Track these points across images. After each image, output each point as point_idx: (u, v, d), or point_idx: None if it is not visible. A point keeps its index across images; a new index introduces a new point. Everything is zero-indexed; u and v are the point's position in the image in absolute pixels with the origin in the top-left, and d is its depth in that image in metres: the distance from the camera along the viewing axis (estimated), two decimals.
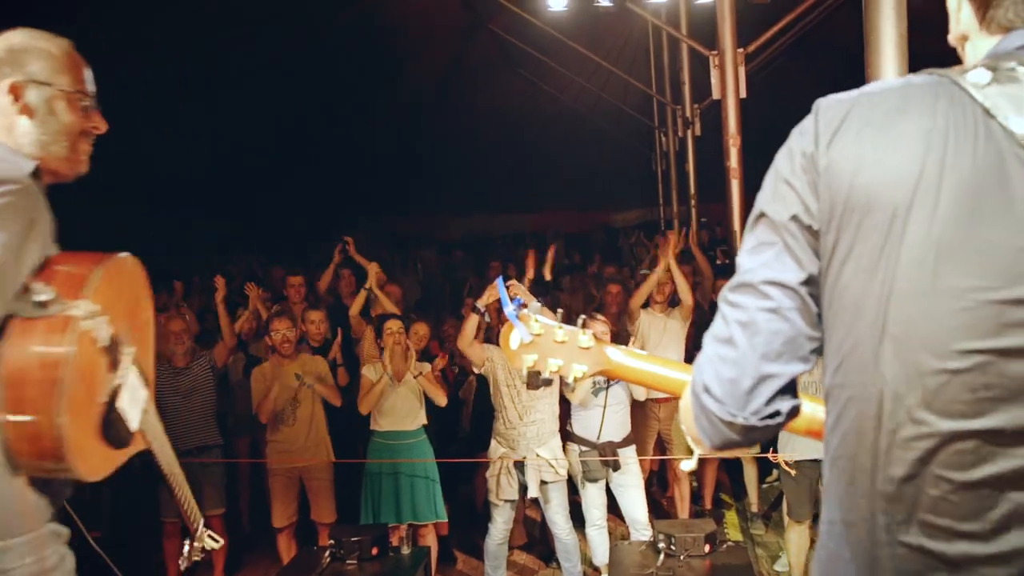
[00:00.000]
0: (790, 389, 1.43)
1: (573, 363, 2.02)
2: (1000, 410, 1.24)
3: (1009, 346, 1.23)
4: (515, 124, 18.38)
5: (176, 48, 10.36)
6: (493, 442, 6.36)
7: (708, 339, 1.49)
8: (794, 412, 1.45)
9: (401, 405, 6.49)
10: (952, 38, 1.48)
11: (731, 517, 7.92)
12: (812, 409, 1.80)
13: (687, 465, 1.87)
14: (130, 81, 10.30)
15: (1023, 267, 1.22)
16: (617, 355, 1.99)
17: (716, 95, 8.96)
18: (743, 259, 1.45)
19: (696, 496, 7.90)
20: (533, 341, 2.03)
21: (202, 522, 2.58)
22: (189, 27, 10.16)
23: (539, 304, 2.10)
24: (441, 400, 6.60)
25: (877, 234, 1.29)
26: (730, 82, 8.87)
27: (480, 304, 6.22)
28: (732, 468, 8.21)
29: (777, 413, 1.43)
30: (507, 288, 6.04)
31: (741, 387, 1.41)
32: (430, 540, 6.62)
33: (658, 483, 8.40)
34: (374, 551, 5.73)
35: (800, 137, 1.39)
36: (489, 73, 17.41)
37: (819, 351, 1.44)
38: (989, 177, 1.23)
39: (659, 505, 8.03)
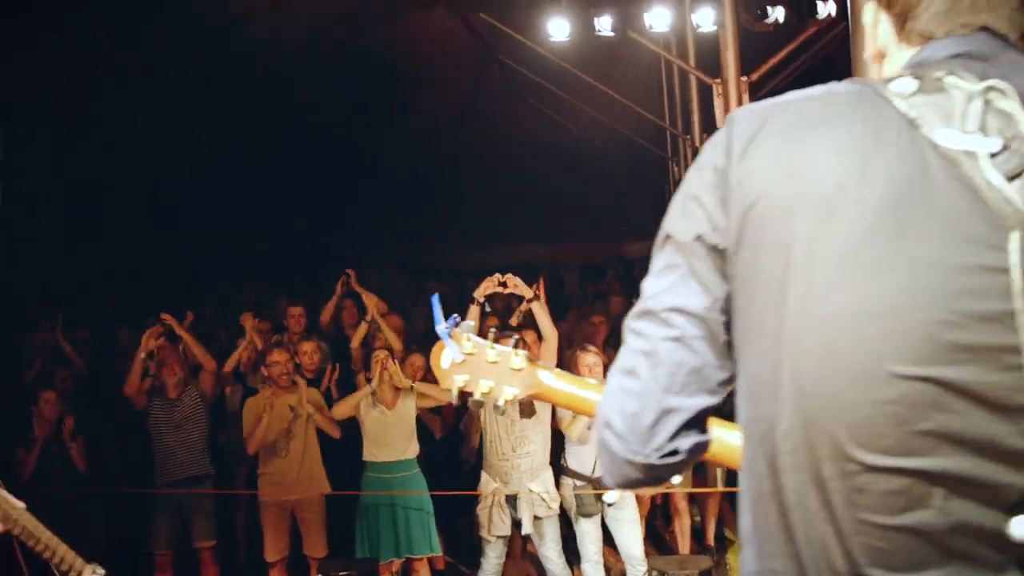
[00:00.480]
0: (696, 424, 1.32)
1: (504, 385, 1.95)
2: (937, 449, 1.12)
3: (943, 376, 1.11)
4: (527, 154, 18.41)
5: (184, 79, 10.42)
6: (484, 475, 6.25)
7: (612, 371, 1.38)
8: (697, 449, 1.33)
9: (394, 433, 6.41)
10: (869, 55, 1.40)
11: (733, 552, 7.75)
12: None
13: (611, 497, 1.79)
14: (146, 107, 10.40)
15: (953, 285, 1.11)
16: (549, 378, 1.92)
17: (720, 124, 8.90)
18: (647, 284, 1.34)
19: (699, 531, 7.74)
20: (465, 361, 1.97)
21: (87, 571, 2.37)
22: (199, 58, 10.22)
23: (472, 323, 2.03)
24: (445, 396, 6.55)
25: (792, 253, 1.18)
26: (734, 111, 8.82)
27: (478, 295, 6.12)
28: (736, 502, 8.04)
29: (676, 451, 1.31)
30: (505, 285, 6.00)
31: (643, 422, 1.30)
32: (424, 574, 6.52)
33: (661, 516, 8.25)
34: None
35: (712, 151, 1.29)
36: (501, 104, 17.47)
37: (730, 382, 1.32)
38: (913, 190, 1.13)
39: (662, 539, 7.88)
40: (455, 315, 2.04)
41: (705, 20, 9.02)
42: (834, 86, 1.26)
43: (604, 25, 9.27)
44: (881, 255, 1.14)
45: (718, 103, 8.95)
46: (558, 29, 9.48)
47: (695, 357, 1.29)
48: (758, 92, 9.63)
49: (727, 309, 1.28)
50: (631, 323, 1.35)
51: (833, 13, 8.79)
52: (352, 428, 6.61)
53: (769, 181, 1.21)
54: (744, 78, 8.85)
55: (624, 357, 1.35)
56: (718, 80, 8.91)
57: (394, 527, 6.34)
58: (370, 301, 7.97)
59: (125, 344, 9.57)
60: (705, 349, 1.29)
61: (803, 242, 1.18)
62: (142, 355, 6.74)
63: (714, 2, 8.92)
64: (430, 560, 6.64)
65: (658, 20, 9.16)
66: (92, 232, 10.72)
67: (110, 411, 7.55)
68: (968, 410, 1.11)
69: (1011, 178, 1.12)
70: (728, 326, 1.29)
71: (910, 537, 1.13)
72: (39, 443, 6.55)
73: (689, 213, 1.29)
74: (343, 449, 6.69)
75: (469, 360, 1.96)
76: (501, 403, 1.95)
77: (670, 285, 1.30)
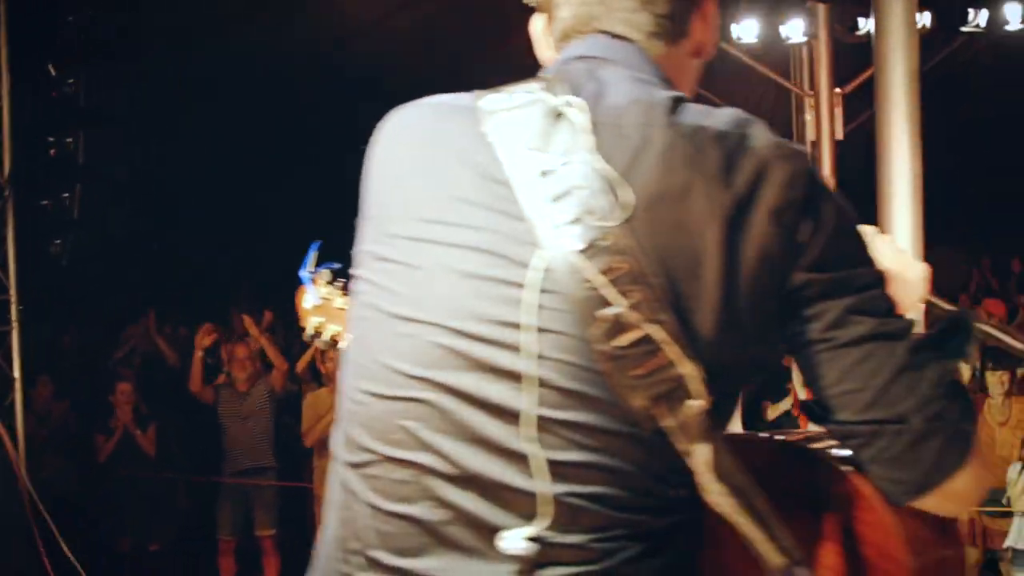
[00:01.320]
0: None
1: (347, 332, 2.07)
2: (440, 446, 1.16)
3: (447, 381, 1.16)
4: None
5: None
6: None
7: None
8: None
9: None
10: (543, 62, 1.43)
11: None
12: None
13: None
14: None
15: (469, 295, 1.16)
16: None
17: (811, 136, 8.80)
18: None
19: None
20: (322, 305, 2.11)
21: None
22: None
23: (329, 272, 2.15)
24: None
25: (363, 251, 1.28)
26: (825, 124, 8.73)
27: None
28: None
29: None
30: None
31: None
32: None
33: None
34: None
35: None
36: None
37: None
38: (465, 204, 1.19)
39: None
40: (333, 262, 2.16)
41: (795, 32, 8.85)
42: (456, 97, 1.30)
43: None
44: (417, 262, 1.20)
45: (810, 115, 8.84)
46: None
47: None
48: (852, 105, 9.44)
49: None
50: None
51: (928, 24, 8.54)
52: None
53: (374, 177, 1.30)
54: (837, 90, 8.72)
55: None
56: (811, 92, 8.80)
57: None
58: None
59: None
60: None
61: (369, 241, 1.27)
62: (199, 353, 7.09)
63: (805, 14, 8.77)
64: None
65: (746, 32, 9.05)
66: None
67: (188, 404, 7.93)
68: (470, 414, 1.15)
69: (557, 198, 1.14)
70: None
71: (411, 524, 1.18)
72: (117, 431, 7.01)
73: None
74: None
75: (325, 305, 2.10)
76: (343, 346, 2.06)
77: None
